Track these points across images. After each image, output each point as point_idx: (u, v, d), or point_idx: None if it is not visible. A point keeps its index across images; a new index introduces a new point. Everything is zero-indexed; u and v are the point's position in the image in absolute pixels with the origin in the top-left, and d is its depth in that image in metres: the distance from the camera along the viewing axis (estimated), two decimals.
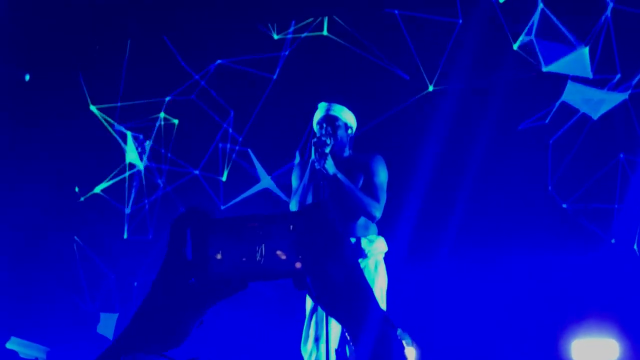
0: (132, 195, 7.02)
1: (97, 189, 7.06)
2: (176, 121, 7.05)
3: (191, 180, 7.01)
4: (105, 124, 7.02)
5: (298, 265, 1.12)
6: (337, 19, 6.64)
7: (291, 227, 1.13)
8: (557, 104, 6.25)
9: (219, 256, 1.13)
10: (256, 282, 1.15)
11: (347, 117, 5.11)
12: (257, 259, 1.13)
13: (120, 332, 1.14)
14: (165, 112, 7.03)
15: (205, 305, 1.16)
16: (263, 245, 1.13)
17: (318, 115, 5.13)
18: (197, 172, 7.01)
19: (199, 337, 1.27)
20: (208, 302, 1.16)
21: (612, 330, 5.97)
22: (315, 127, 5.14)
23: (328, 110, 5.09)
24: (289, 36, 6.79)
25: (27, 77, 7.04)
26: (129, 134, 7.02)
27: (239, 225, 1.15)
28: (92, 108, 7.06)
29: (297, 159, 6.50)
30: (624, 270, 6.04)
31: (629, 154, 6.17)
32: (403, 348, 1.10)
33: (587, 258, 6.12)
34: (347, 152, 5.16)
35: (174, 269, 1.16)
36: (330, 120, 5.06)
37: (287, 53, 6.81)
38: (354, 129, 5.18)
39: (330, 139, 4.92)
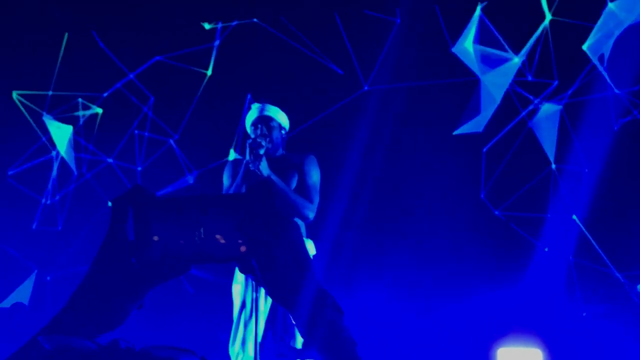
0: (50, 185, 6.78)
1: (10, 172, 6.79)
2: (100, 110, 6.79)
3: (107, 169, 6.82)
4: (24, 111, 6.77)
5: (243, 249, 1.04)
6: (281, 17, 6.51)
7: (229, 211, 1.06)
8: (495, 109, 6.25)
9: (156, 238, 1.04)
10: (199, 265, 1.08)
11: (281, 118, 5.10)
12: (196, 240, 1.04)
13: (58, 311, 1.02)
14: (92, 104, 6.84)
15: (145, 287, 1.08)
16: (202, 228, 1.04)
17: (252, 116, 5.09)
18: (110, 160, 6.80)
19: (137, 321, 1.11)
20: (149, 283, 1.08)
21: (537, 340, 6.00)
22: (248, 128, 5.09)
23: (262, 110, 5.06)
24: (220, 25, 6.63)
25: None
26: (54, 122, 6.77)
27: (179, 206, 1.07)
28: (14, 95, 6.81)
29: (232, 156, 6.43)
30: (554, 279, 6.09)
31: (561, 164, 6.22)
32: (350, 333, 1.05)
33: (518, 265, 6.14)
34: (280, 152, 5.09)
35: (115, 248, 1.07)
36: (264, 120, 5.00)
37: (218, 42, 6.65)
38: (287, 129, 5.14)
39: (265, 141, 4.87)
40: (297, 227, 4.45)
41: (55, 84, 6.76)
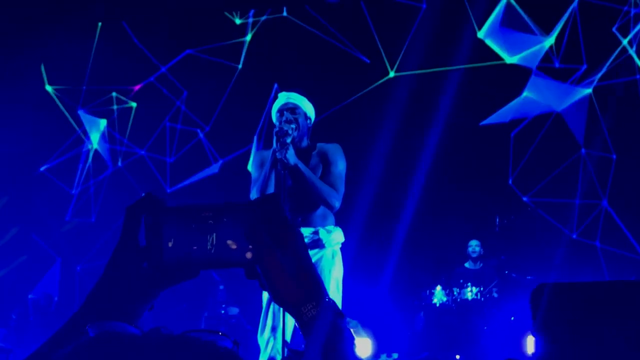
0: (82, 177, 6.84)
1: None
2: (134, 104, 6.84)
3: (139, 162, 6.82)
4: (61, 106, 6.82)
5: (249, 255, 1.14)
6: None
7: (240, 217, 1.15)
8: (520, 98, 6.16)
9: (170, 244, 1.14)
10: (207, 270, 1.17)
11: (307, 106, 5.04)
12: (208, 247, 1.14)
13: (74, 312, 1.14)
14: (125, 97, 6.89)
15: (156, 290, 1.18)
16: (214, 234, 1.14)
17: (278, 104, 5.04)
18: (143, 152, 6.82)
19: (150, 320, 1.18)
20: (159, 287, 1.18)
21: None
22: (274, 115, 5.05)
23: (288, 98, 5.02)
24: (250, 20, 6.66)
25: None
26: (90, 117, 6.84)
27: (192, 214, 1.16)
28: (48, 88, 6.86)
29: (254, 145, 6.44)
30: (583, 264, 6.00)
31: (591, 149, 6.11)
32: (353, 338, 1.11)
33: (547, 251, 6.06)
34: (305, 142, 5.06)
35: (127, 254, 1.17)
36: (290, 109, 4.98)
37: (248, 38, 6.68)
38: (313, 118, 5.11)
39: (291, 129, 4.84)
40: (302, 236, 4.44)
41: (88, 77, 6.82)
